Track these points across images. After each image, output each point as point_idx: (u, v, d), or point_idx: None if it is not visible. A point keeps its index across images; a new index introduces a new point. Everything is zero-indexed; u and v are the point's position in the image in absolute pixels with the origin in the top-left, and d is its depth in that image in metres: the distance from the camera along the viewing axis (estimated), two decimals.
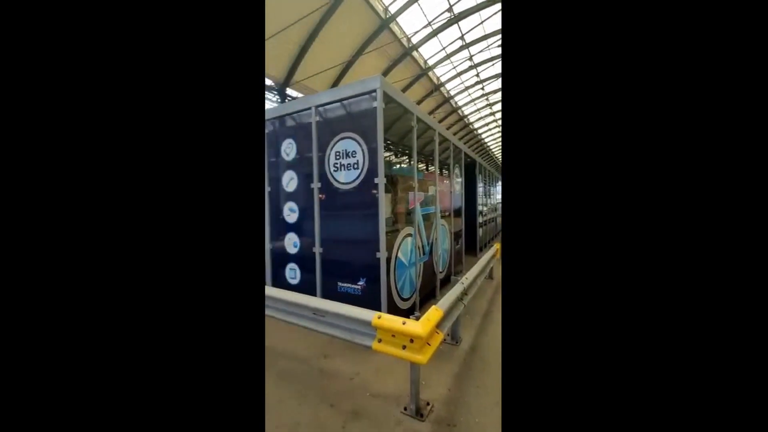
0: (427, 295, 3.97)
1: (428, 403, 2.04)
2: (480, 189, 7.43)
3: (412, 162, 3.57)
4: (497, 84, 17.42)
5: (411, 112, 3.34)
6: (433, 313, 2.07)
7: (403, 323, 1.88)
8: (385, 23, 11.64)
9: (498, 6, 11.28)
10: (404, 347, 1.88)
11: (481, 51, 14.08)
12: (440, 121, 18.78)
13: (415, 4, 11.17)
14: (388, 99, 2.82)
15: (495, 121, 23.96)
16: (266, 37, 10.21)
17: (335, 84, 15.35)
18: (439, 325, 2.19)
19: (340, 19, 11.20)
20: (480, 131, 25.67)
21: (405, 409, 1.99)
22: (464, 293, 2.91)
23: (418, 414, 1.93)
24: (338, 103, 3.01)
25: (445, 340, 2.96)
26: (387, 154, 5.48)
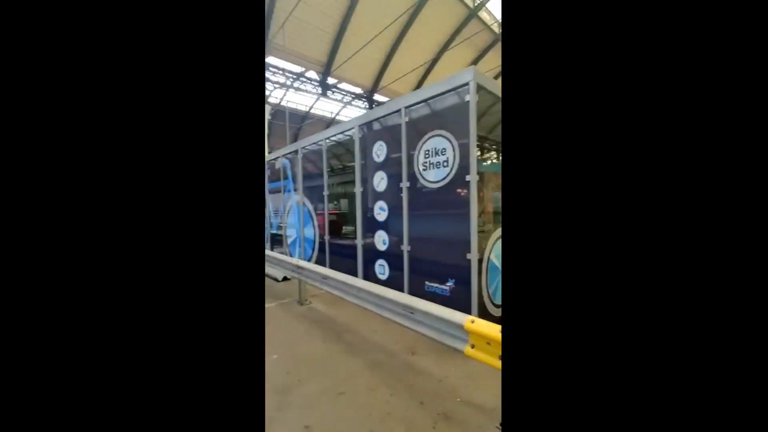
0: None
1: None
2: None
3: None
4: None
5: None
6: None
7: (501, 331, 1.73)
8: (473, 12, 11.03)
9: None
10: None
11: None
12: None
13: None
14: (482, 90, 2.65)
15: None
16: (355, 50, 11.07)
17: (420, 84, 15.43)
18: None
19: (425, 18, 11.18)
20: None
21: (500, 425, 1.83)
22: None
23: None
24: (428, 102, 3.00)
25: None
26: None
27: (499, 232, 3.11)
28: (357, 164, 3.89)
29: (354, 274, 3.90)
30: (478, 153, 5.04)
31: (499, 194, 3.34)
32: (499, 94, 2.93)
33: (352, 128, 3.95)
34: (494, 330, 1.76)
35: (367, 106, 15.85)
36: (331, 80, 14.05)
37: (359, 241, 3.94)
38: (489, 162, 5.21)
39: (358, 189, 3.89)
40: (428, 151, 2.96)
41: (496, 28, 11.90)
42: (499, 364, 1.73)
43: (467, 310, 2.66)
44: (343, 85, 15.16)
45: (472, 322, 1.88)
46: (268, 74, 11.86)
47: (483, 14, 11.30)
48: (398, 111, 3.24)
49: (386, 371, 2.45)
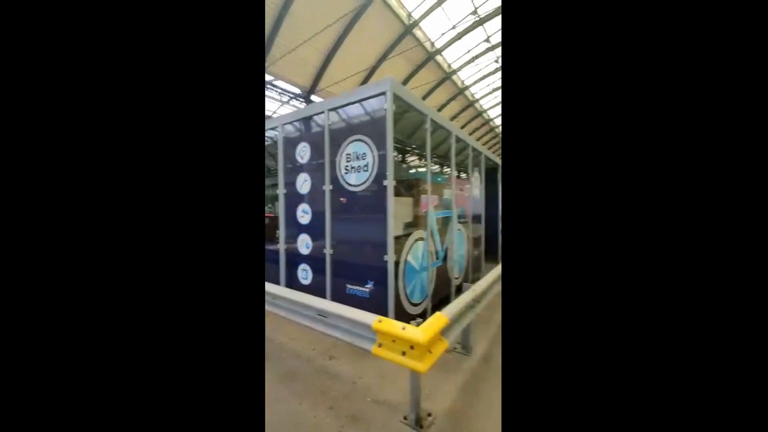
0: (441, 301, 3.84)
1: (429, 414, 1.95)
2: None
3: (424, 162, 3.51)
4: None
5: (424, 114, 3.29)
6: (437, 319, 1.99)
7: (403, 328, 1.82)
8: (408, 29, 11.71)
9: None
10: (404, 353, 1.81)
11: None
12: (464, 125, 18.39)
13: (439, 8, 11.13)
14: (399, 101, 2.80)
15: None
16: (293, 47, 10.67)
17: None
18: (443, 333, 2.10)
19: (364, 26, 11.42)
20: None
21: (405, 418, 1.91)
22: (476, 300, 2.78)
23: (417, 425, 1.85)
24: (350, 106, 3.04)
25: (455, 348, 2.85)
26: (397, 154, 5.44)
27: (418, 234, 3.30)
28: (280, 166, 3.72)
29: (277, 279, 3.68)
30: (399, 158, 5.30)
31: (420, 199, 3.55)
32: (417, 106, 3.14)
33: (276, 127, 3.76)
34: (397, 327, 1.85)
35: (305, 106, 15.36)
36: (267, 77, 13.25)
37: (282, 246, 3.75)
38: (416, 170, 5.52)
39: (281, 191, 3.71)
40: (349, 154, 2.99)
41: (429, 47, 12.85)
42: (400, 359, 1.81)
43: (384, 310, 2.74)
44: (281, 84, 14.44)
45: (380, 321, 1.94)
46: None
47: (417, 32, 12.09)
48: (322, 113, 3.20)
49: (299, 379, 2.36)
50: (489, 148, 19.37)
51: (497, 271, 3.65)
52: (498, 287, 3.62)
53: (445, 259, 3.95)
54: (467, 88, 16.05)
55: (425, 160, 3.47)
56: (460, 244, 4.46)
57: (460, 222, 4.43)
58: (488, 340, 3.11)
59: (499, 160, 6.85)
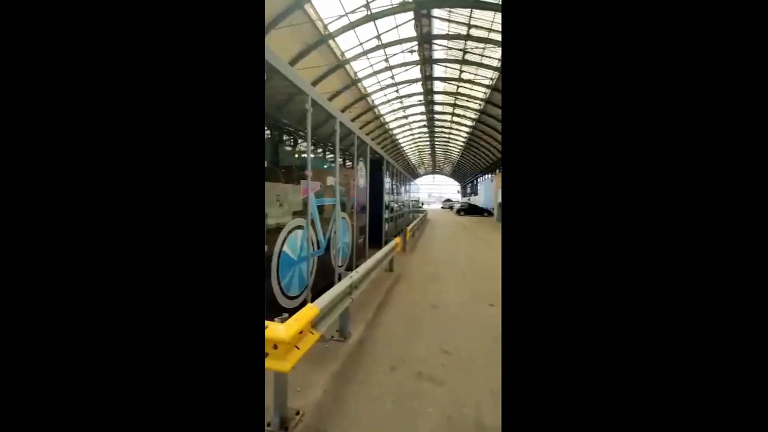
0: (324, 289, 3.77)
1: (298, 412, 1.84)
2: (387, 185, 7.67)
3: (304, 146, 3.30)
4: (411, 89, 18.54)
5: (305, 93, 3.04)
6: (306, 312, 1.88)
7: (265, 327, 1.62)
8: (298, 2, 10.80)
9: (410, 15, 11.93)
10: (267, 355, 1.62)
11: (395, 54, 14.67)
12: (355, 118, 18.80)
13: None
14: (272, 71, 2.47)
15: (408, 124, 25.52)
16: None
17: None
18: (315, 324, 2.01)
19: None
20: (395, 132, 26.94)
21: (269, 424, 1.74)
22: (353, 287, 2.83)
23: (283, 427, 1.71)
24: None
25: (332, 337, 2.83)
26: (289, 138, 5.02)
27: (294, 222, 3.07)
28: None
29: None
30: (291, 142, 4.91)
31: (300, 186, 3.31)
32: (297, 82, 2.87)
33: None
34: (275, 331, 1.63)
35: None
36: None
37: None
38: (302, 155, 5.20)
39: None
40: None
41: (322, 29, 12.27)
42: (279, 365, 1.61)
43: None
44: None
45: None
46: None
47: (309, 9, 11.32)
48: None
49: None
50: (378, 144, 20.50)
51: (376, 256, 3.87)
52: (375, 274, 3.83)
53: (327, 248, 3.88)
54: (360, 80, 16.34)
55: (316, 147, 3.25)
56: (344, 233, 4.49)
57: (345, 210, 4.44)
58: (365, 323, 3.25)
59: (383, 153, 7.27)
